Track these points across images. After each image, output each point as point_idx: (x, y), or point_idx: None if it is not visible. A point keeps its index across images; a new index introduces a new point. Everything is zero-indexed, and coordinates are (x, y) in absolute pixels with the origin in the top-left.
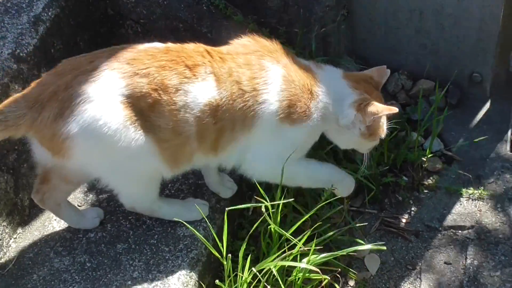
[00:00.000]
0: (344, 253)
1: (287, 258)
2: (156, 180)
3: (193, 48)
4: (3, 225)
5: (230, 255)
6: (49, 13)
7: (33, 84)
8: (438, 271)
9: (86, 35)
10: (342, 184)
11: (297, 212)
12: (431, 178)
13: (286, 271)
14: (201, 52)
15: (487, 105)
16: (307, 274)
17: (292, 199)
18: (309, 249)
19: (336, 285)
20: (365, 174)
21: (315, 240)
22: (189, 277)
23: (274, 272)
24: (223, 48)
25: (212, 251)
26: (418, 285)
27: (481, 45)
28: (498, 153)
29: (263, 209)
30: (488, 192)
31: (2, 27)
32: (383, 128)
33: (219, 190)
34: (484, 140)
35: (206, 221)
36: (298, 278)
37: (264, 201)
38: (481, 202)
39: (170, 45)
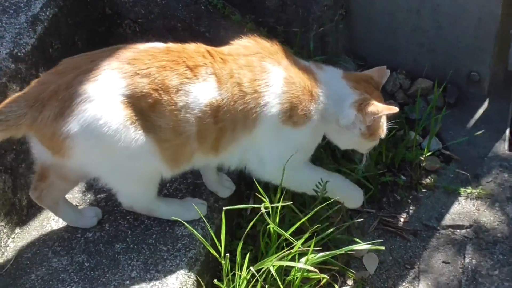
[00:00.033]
0: (342, 252)
1: (285, 258)
2: (155, 180)
3: (194, 49)
4: (1, 225)
5: (228, 254)
6: (47, 13)
7: (33, 83)
8: (437, 270)
9: (84, 34)
10: (350, 195)
11: (296, 211)
12: (429, 177)
13: (284, 271)
14: (202, 53)
15: (485, 104)
16: (305, 274)
17: (291, 202)
18: (308, 249)
19: (335, 285)
20: (363, 174)
21: (313, 240)
22: (188, 276)
23: (273, 271)
24: (224, 49)
25: (210, 250)
26: (417, 284)
27: (479, 44)
28: (496, 152)
29: (262, 209)
30: (486, 191)
31: (0, 27)
32: (383, 128)
33: (217, 190)
34: (482, 139)
35: (204, 220)
36: (297, 278)
37: (263, 200)
38: (479, 201)
39: (171, 45)
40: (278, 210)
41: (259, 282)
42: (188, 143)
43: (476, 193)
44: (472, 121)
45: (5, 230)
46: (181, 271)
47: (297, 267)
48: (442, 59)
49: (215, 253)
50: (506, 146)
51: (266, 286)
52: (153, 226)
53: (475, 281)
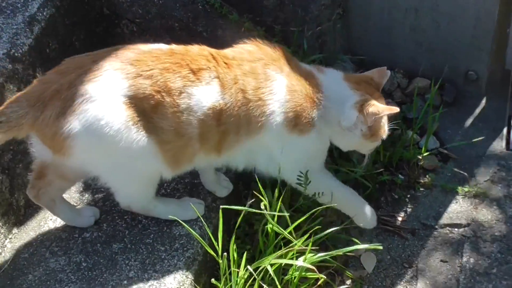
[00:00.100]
0: (341, 256)
1: (283, 257)
2: (155, 180)
3: (197, 52)
4: None
5: (225, 253)
6: (44, 13)
7: (35, 82)
8: (435, 269)
9: (82, 34)
10: (361, 213)
11: (294, 210)
12: (427, 176)
13: (282, 270)
14: (206, 56)
15: (483, 103)
16: (303, 273)
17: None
18: (306, 248)
19: (333, 284)
20: (361, 174)
21: (312, 239)
22: (185, 276)
23: (270, 271)
24: (228, 53)
25: (208, 250)
26: (415, 283)
27: (477, 43)
28: (493, 151)
29: (262, 207)
30: (484, 190)
31: None
32: (385, 129)
33: (215, 189)
34: (480, 138)
35: (201, 220)
36: (295, 277)
37: (261, 199)
38: (477, 200)
39: (174, 47)
40: (277, 209)
41: (257, 281)
42: (190, 145)
43: (473, 192)
44: (470, 120)
45: (2, 231)
46: (179, 270)
47: (295, 266)
48: (440, 58)
49: (212, 253)
50: (504, 144)
51: (264, 286)
52: (150, 226)
53: (473, 279)
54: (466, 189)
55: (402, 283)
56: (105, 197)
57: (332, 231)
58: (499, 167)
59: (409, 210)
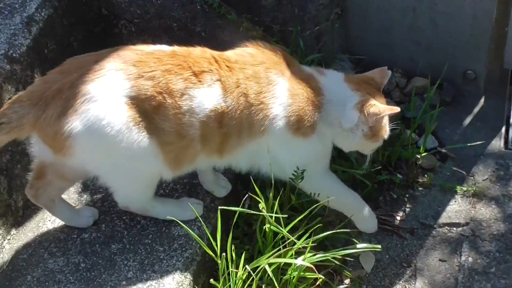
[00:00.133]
0: (340, 256)
1: (282, 256)
2: (155, 181)
3: (199, 54)
4: None
5: (224, 254)
6: (42, 14)
7: (37, 81)
8: (433, 268)
9: (80, 35)
10: (363, 218)
11: (292, 210)
12: (426, 175)
13: (281, 270)
14: (208, 59)
15: (481, 102)
16: (302, 273)
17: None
18: (305, 248)
19: (331, 283)
20: (359, 173)
21: (311, 239)
22: (184, 276)
23: (268, 271)
24: (231, 56)
25: (207, 250)
26: (413, 282)
27: (475, 42)
28: (492, 150)
29: (260, 207)
30: (482, 189)
31: None
32: (386, 129)
33: (213, 189)
34: (478, 136)
35: (200, 220)
36: (293, 277)
37: (260, 199)
38: (475, 199)
39: (176, 48)
40: (275, 208)
41: (255, 281)
42: (192, 146)
43: (472, 191)
44: (468, 119)
45: (0, 232)
46: (178, 271)
47: (294, 266)
48: (438, 58)
49: (211, 253)
50: (502, 143)
51: (263, 286)
52: (149, 227)
53: (472, 278)
54: (464, 188)
55: (400, 282)
56: (103, 198)
57: (332, 233)
58: (497, 166)
59: (407, 209)
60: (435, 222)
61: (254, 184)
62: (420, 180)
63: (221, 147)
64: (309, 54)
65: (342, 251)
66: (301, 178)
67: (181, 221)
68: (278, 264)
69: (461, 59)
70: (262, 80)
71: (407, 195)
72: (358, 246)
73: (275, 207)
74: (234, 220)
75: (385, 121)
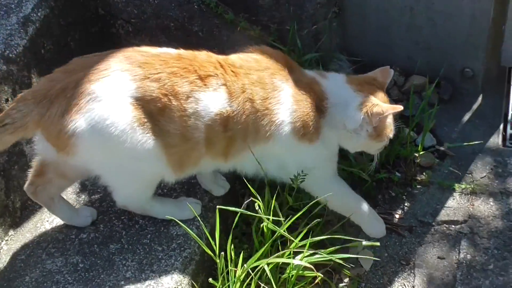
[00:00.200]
0: (339, 260)
1: (280, 255)
2: (156, 182)
3: (205, 58)
4: None
5: (223, 253)
6: (39, 14)
7: (42, 80)
8: (432, 266)
9: (77, 35)
10: (370, 223)
11: (291, 209)
12: (424, 173)
13: (280, 269)
14: (213, 63)
15: (479, 100)
16: (300, 272)
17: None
18: (304, 246)
19: (330, 282)
20: (358, 172)
21: (310, 239)
22: (183, 276)
23: (267, 270)
24: (236, 61)
25: (205, 249)
26: (412, 280)
27: (472, 40)
28: (490, 147)
29: (256, 207)
30: (480, 187)
31: None
32: (391, 128)
33: (211, 188)
34: (477, 134)
35: (199, 220)
36: (292, 276)
37: (257, 200)
38: (473, 197)
39: (182, 52)
40: (272, 207)
41: (254, 281)
42: (196, 149)
43: (470, 189)
44: (466, 117)
45: None
46: (176, 270)
47: (292, 265)
48: (436, 56)
49: (210, 252)
50: (500, 141)
51: (262, 285)
52: (147, 226)
53: (470, 275)
54: (463, 186)
55: (399, 280)
56: (101, 198)
57: (332, 235)
58: (495, 164)
59: (406, 207)
60: (434, 219)
61: (247, 183)
62: (419, 178)
63: (226, 150)
64: (307, 53)
65: (341, 255)
66: (300, 180)
67: (179, 220)
68: (277, 263)
69: (459, 58)
70: (267, 86)
71: (405, 193)
72: (357, 244)
73: (271, 206)
74: (235, 222)
75: (390, 120)
